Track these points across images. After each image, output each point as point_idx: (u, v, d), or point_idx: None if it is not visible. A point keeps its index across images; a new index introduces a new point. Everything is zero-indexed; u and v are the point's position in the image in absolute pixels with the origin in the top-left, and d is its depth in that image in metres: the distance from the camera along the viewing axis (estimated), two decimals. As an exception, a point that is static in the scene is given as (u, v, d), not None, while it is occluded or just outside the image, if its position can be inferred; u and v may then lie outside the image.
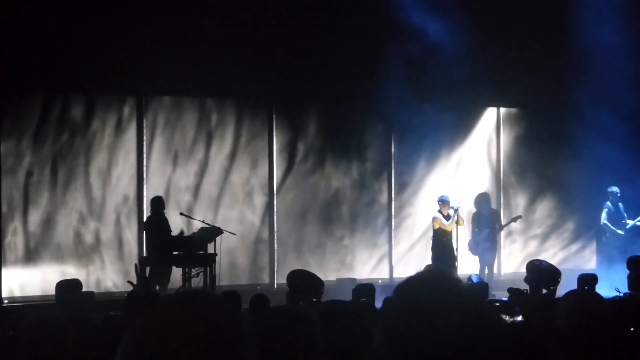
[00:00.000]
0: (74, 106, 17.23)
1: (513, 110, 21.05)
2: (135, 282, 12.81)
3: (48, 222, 16.99)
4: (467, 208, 18.89)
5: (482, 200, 19.31)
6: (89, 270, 17.09)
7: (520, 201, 20.98)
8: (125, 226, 17.56)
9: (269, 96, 18.79)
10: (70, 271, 16.63)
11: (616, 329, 5.06)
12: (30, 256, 16.82)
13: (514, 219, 19.78)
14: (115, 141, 17.55)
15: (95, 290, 15.66)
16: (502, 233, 20.53)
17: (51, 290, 14.18)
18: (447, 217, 17.75)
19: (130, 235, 17.59)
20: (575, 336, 4.53)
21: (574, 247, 21.60)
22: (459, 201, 18.64)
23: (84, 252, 17.20)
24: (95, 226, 17.31)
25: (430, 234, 18.04)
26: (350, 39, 18.25)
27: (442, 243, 17.67)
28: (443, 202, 17.93)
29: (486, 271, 18.81)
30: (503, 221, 20.03)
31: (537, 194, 21.16)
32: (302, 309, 3.08)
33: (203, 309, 2.24)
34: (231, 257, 17.95)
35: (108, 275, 17.32)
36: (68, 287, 13.52)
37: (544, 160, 20.91)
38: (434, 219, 17.85)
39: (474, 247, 18.69)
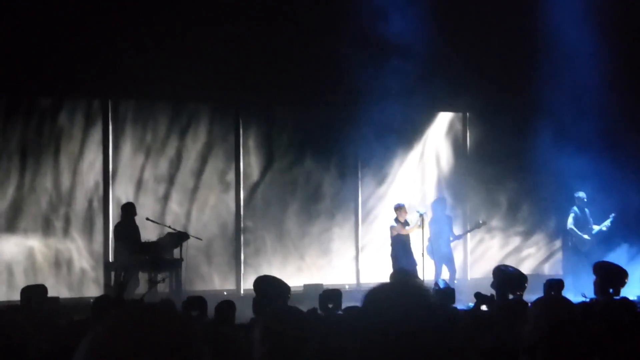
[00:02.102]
0: (39, 108, 17.12)
1: (475, 113, 21.06)
2: (113, 285, 12.78)
3: (11, 227, 16.87)
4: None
5: (438, 204, 19.28)
6: (53, 277, 16.97)
7: (486, 206, 20.99)
8: (91, 231, 17.45)
9: (235, 101, 18.75)
10: (36, 277, 16.53)
11: (583, 334, 5.06)
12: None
13: (479, 225, 19.79)
14: (81, 144, 17.44)
15: (60, 296, 15.54)
16: (469, 237, 20.59)
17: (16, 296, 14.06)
18: (405, 223, 17.78)
19: (97, 240, 17.48)
20: (545, 341, 4.51)
21: (541, 252, 21.68)
22: (426, 207, 18.68)
23: (49, 255, 17.07)
24: (60, 230, 17.19)
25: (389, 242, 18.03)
26: (315, 42, 18.26)
27: (402, 249, 17.65)
28: (399, 208, 17.92)
29: (447, 276, 18.77)
30: (466, 227, 20.08)
31: (503, 199, 21.21)
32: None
33: (157, 319, 2.24)
34: (197, 262, 17.89)
35: (73, 280, 17.21)
36: (33, 292, 13.39)
37: (508, 165, 20.94)
38: (392, 227, 17.84)
39: (431, 252, 18.63)
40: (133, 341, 2.18)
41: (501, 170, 20.90)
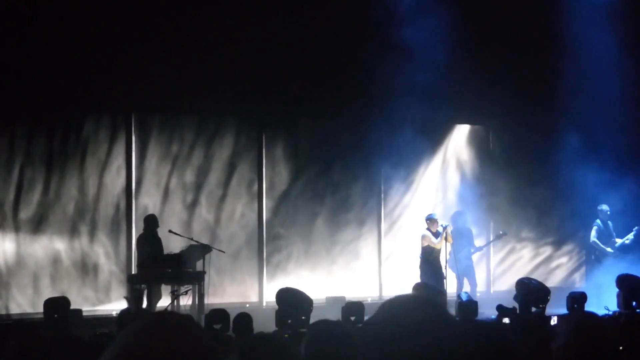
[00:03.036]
0: (63, 125, 17.21)
1: (499, 125, 21.03)
2: (131, 299, 12.82)
3: (33, 239, 16.95)
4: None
5: (458, 217, 19.24)
6: (77, 288, 17.03)
7: (509, 218, 20.92)
8: (114, 243, 17.50)
9: (258, 114, 18.78)
10: (60, 289, 16.60)
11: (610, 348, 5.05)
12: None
13: (499, 236, 19.77)
14: (104, 159, 17.51)
15: (83, 309, 15.58)
16: (492, 250, 20.55)
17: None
18: (436, 235, 17.74)
19: (120, 252, 17.53)
20: (575, 358, 4.50)
21: (564, 266, 21.59)
22: (447, 219, 18.65)
23: (73, 268, 17.14)
24: (85, 243, 17.25)
25: (419, 252, 17.98)
26: (339, 54, 18.31)
27: (429, 261, 17.64)
28: (431, 220, 17.91)
29: (469, 289, 18.71)
30: (483, 240, 20.05)
31: (527, 212, 21.13)
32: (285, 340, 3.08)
33: (171, 329, 2.26)
34: (220, 275, 17.92)
35: (95, 293, 17.26)
36: (56, 305, 13.45)
37: (529, 178, 20.88)
38: (423, 237, 17.82)
39: (454, 265, 18.56)
40: (152, 353, 2.20)
41: (525, 182, 20.84)
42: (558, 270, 21.48)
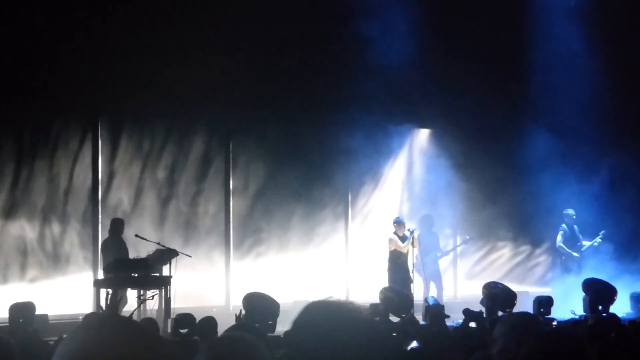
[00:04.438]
0: (30, 125, 17.11)
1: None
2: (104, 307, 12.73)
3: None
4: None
5: (425, 221, 19.27)
6: (41, 292, 16.90)
7: (476, 223, 20.96)
8: (79, 247, 17.41)
9: (225, 118, 18.75)
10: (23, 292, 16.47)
11: (574, 351, 5.05)
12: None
13: (465, 241, 19.85)
14: (71, 161, 17.42)
15: (49, 313, 15.46)
16: (458, 254, 20.62)
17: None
18: (403, 239, 17.75)
19: (85, 256, 17.44)
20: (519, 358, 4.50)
21: (530, 270, 21.69)
22: (414, 223, 18.66)
23: (37, 272, 17.03)
24: (50, 246, 17.15)
25: (386, 255, 17.99)
26: (307, 60, 18.37)
27: (397, 265, 17.66)
28: (398, 223, 17.93)
29: (435, 293, 18.73)
30: (450, 244, 20.12)
31: (494, 216, 21.21)
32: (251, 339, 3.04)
33: (121, 332, 2.25)
34: (187, 279, 17.86)
35: (62, 297, 17.14)
36: (21, 310, 13.36)
37: (497, 182, 20.95)
38: (390, 240, 17.84)
39: (420, 269, 18.58)
40: (99, 355, 2.20)
41: (492, 186, 20.91)
42: (525, 274, 21.57)
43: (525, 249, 21.74)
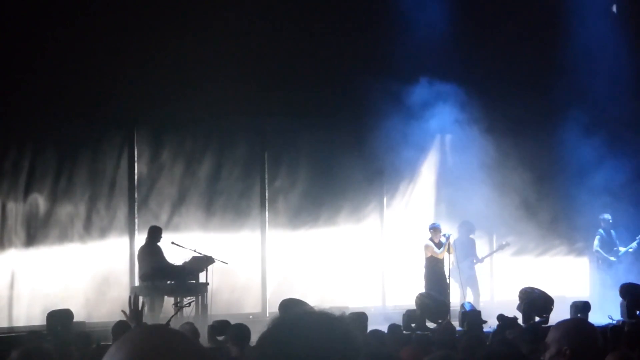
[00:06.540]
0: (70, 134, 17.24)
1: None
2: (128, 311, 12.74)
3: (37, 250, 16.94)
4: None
5: (462, 227, 19.19)
6: (80, 300, 16.99)
7: (513, 228, 20.81)
8: (116, 255, 17.49)
9: (261, 126, 18.79)
10: (61, 301, 16.56)
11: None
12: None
13: (502, 246, 19.76)
14: (107, 171, 17.52)
15: (86, 320, 15.55)
16: (495, 260, 20.51)
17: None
18: (439, 245, 17.69)
19: (122, 264, 17.52)
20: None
21: (567, 275, 21.54)
22: (450, 229, 18.58)
23: (74, 280, 17.12)
24: (86, 255, 17.24)
25: (423, 262, 17.94)
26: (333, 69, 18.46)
27: (434, 271, 17.60)
28: (434, 229, 17.88)
29: (472, 299, 18.66)
30: (486, 250, 20.02)
31: (531, 221, 21.04)
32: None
33: (164, 342, 2.26)
34: (223, 286, 17.88)
35: (100, 305, 17.22)
36: (59, 318, 13.45)
37: (535, 186, 20.82)
38: (426, 246, 17.78)
39: (456, 275, 18.51)
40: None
41: (531, 190, 20.77)
42: (562, 279, 21.42)
43: (561, 251, 21.57)
